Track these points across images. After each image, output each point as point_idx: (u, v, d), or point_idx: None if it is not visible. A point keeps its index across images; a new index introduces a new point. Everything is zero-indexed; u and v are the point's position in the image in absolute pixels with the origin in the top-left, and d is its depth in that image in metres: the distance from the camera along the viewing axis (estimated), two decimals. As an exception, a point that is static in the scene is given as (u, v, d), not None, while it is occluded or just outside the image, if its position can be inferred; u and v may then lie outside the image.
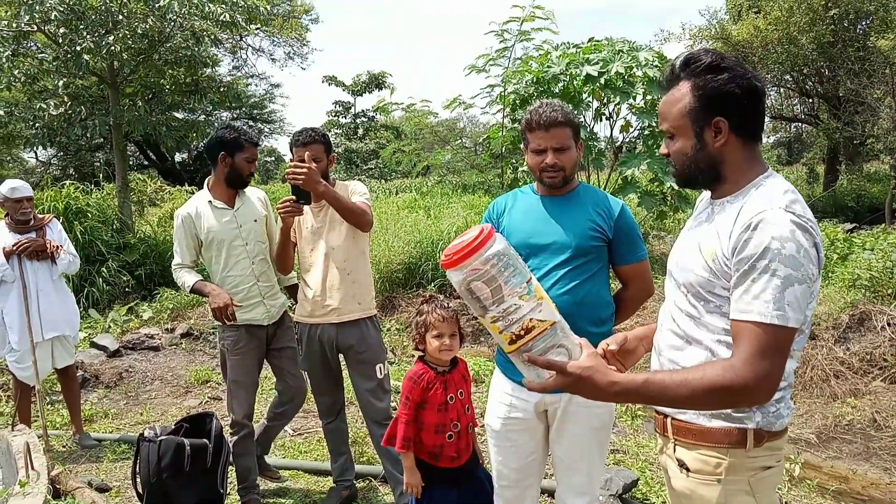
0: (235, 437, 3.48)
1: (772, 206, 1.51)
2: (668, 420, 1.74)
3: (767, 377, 1.44)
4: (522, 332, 1.54)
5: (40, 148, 14.78)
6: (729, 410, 1.61)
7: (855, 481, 4.29)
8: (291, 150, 3.24)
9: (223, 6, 8.75)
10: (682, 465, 1.70)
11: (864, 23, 15.82)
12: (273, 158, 50.48)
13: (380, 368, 3.33)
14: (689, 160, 1.67)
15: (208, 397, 5.54)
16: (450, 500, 2.67)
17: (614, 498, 3.13)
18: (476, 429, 2.78)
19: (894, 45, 12.38)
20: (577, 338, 1.60)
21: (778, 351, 1.45)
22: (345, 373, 3.56)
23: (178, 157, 28.05)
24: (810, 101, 19.29)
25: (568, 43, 9.25)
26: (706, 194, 1.82)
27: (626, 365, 1.84)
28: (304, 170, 2.99)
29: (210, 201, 3.43)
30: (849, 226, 12.13)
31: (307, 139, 3.19)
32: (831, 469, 4.43)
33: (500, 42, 9.21)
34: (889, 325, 5.70)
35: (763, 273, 1.46)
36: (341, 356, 3.41)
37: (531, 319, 1.53)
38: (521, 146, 2.51)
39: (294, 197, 3.04)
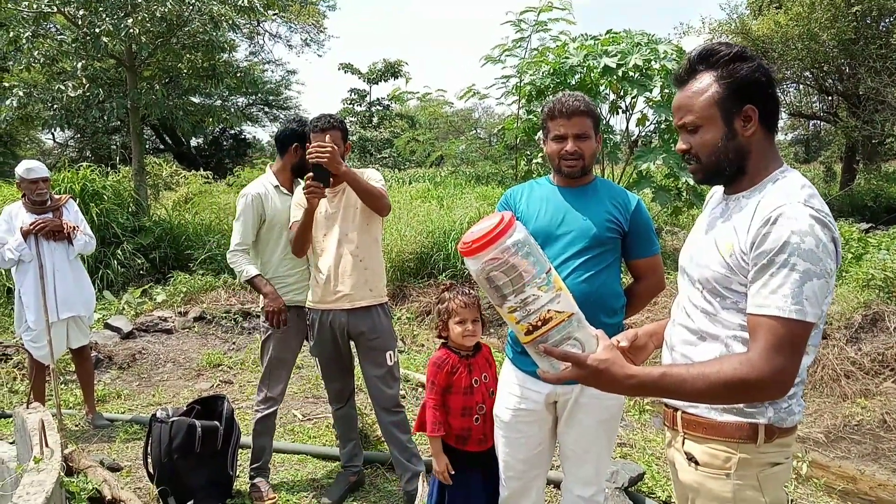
0: (260, 414, 3.53)
1: (790, 200, 1.51)
2: (679, 413, 1.74)
3: (784, 371, 1.45)
4: (539, 323, 1.53)
5: (58, 130, 14.92)
6: (741, 405, 1.61)
7: (863, 482, 4.27)
8: (308, 137, 3.25)
9: (241, -9, 8.76)
10: (690, 458, 1.70)
11: (887, 20, 15.62)
12: (287, 145, 50.57)
13: (390, 356, 3.35)
14: (720, 150, 1.63)
15: (220, 381, 5.59)
16: (475, 483, 2.68)
17: (620, 491, 3.13)
18: None
19: (917, 43, 12.21)
20: (593, 329, 1.59)
21: (795, 345, 1.46)
22: (355, 360, 3.58)
23: (193, 142, 28.21)
24: (829, 98, 19.09)
25: (586, 34, 9.19)
26: (718, 190, 1.81)
27: (636, 361, 1.84)
28: (328, 149, 3.01)
29: (276, 185, 3.53)
30: (865, 225, 12.02)
31: (325, 125, 3.19)
32: (839, 469, 4.42)
33: (517, 32, 9.17)
34: (902, 325, 5.65)
35: (782, 267, 1.46)
36: (352, 343, 3.42)
37: (549, 310, 1.52)
38: (541, 136, 2.52)
39: (312, 175, 3.05)
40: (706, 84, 1.62)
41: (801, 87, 19.21)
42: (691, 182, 8.18)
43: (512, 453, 2.49)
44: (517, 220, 1.63)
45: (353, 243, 3.27)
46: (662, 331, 1.90)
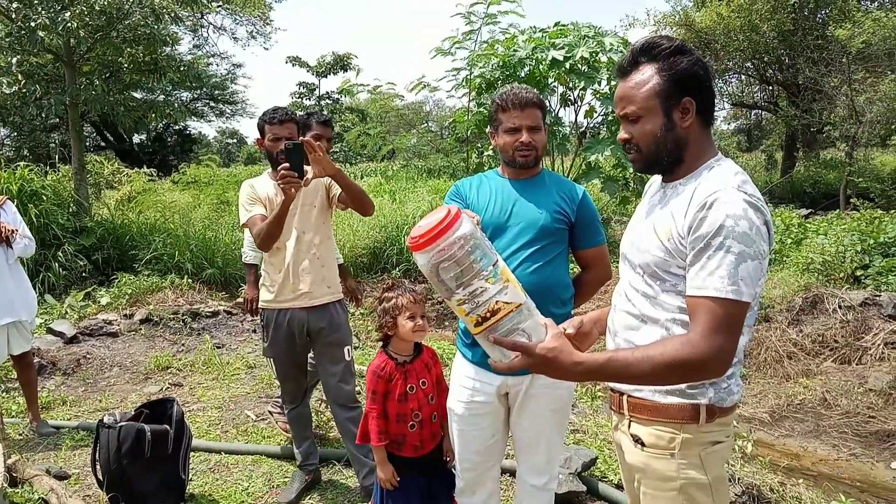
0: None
1: (725, 186, 1.57)
2: (625, 397, 1.79)
3: (723, 350, 1.50)
4: (489, 314, 1.55)
5: (-7, 128, 14.34)
6: (683, 387, 1.66)
7: (805, 458, 4.44)
8: (262, 129, 3.24)
9: (184, -18, 8.56)
10: (637, 440, 1.75)
11: (823, 12, 16.14)
12: (235, 140, 49.69)
13: (347, 351, 3.37)
14: (658, 140, 1.68)
15: (169, 383, 5.47)
16: (415, 488, 2.70)
17: (574, 476, 3.19)
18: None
19: (851, 34, 12.65)
20: (542, 318, 1.61)
21: (733, 325, 1.51)
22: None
23: (136, 139, 27.49)
24: (770, 88, 19.65)
25: (534, 27, 9.26)
26: (657, 179, 1.86)
27: (581, 348, 1.87)
28: (322, 147, 2.91)
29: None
30: (804, 211, 12.44)
31: (283, 117, 3.19)
32: (783, 447, 4.58)
33: (467, 24, 9.17)
34: (840, 307, 5.89)
35: (718, 250, 1.51)
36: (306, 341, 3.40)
37: (497, 301, 1.54)
38: (489, 129, 2.54)
39: (289, 164, 2.85)
40: (648, 76, 1.67)
41: (743, 77, 19.72)
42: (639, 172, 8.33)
43: (466, 445, 2.51)
44: (464, 212, 1.63)
45: (311, 241, 3.28)
46: (606, 317, 1.94)
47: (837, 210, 11.50)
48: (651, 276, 1.70)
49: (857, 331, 5.67)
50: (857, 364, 5.46)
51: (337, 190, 3.27)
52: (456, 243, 1.54)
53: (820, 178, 17.44)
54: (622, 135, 1.75)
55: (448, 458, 2.74)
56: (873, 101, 12.89)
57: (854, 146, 13.54)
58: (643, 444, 1.73)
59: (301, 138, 2.91)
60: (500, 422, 2.50)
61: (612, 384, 1.84)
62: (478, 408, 2.45)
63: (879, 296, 5.89)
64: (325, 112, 21.55)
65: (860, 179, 12.40)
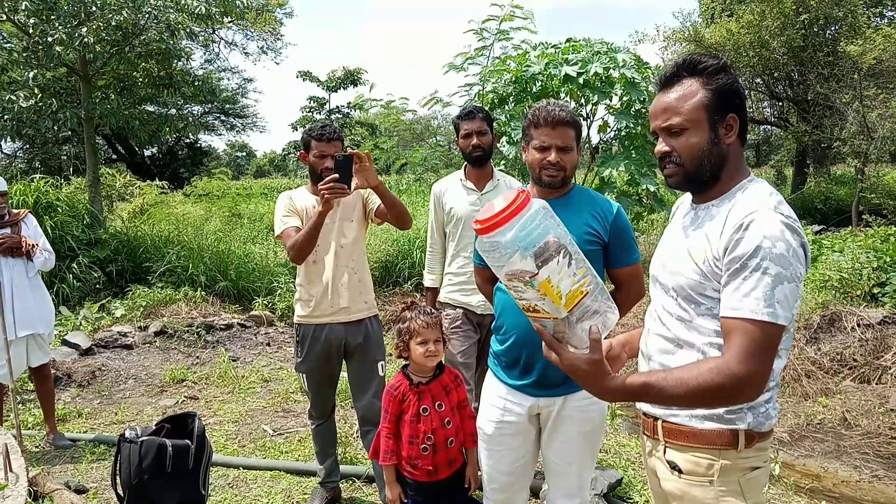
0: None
1: (761, 207, 1.56)
2: (659, 422, 1.76)
3: (758, 374, 1.48)
4: (530, 309, 1.55)
5: (7, 140, 14.47)
6: (721, 411, 1.64)
7: (826, 479, 4.38)
8: (308, 144, 3.25)
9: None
10: (673, 467, 1.72)
11: (833, 28, 16.14)
12: (244, 154, 50.01)
13: (381, 366, 3.36)
14: (704, 154, 1.66)
15: (185, 396, 5.47)
16: None
17: (600, 497, 3.16)
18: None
19: (863, 50, 12.65)
20: (586, 338, 1.57)
21: (768, 348, 1.49)
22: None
23: (147, 152, 27.66)
24: (780, 104, 19.65)
25: (546, 43, 9.28)
26: (686, 200, 1.85)
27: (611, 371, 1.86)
28: (371, 158, 2.95)
29: (461, 179, 3.63)
30: (816, 227, 12.38)
31: (331, 135, 3.21)
32: (804, 467, 4.53)
33: (479, 41, 9.20)
34: (858, 325, 5.84)
35: (754, 271, 1.50)
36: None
37: (535, 304, 1.53)
38: (522, 143, 2.49)
39: (338, 175, 2.84)
40: (694, 89, 1.65)
41: (753, 93, 19.73)
42: (651, 188, 8.32)
43: (495, 465, 2.47)
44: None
45: (349, 255, 3.29)
46: (635, 340, 1.93)
47: (850, 226, 11.43)
48: (685, 300, 1.68)
49: (876, 349, 5.62)
50: (876, 383, 5.40)
51: (374, 204, 3.27)
52: (503, 242, 1.51)
53: (831, 195, 17.36)
54: (661, 147, 1.72)
55: (469, 486, 2.70)
56: (885, 117, 12.86)
57: (865, 162, 13.50)
58: (680, 471, 1.71)
59: (350, 150, 2.91)
60: (531, 443, 2.46)
61: (644, 408, 1.82)
62: (508, 427, 2.41)
63: (898, 314, 5.84)
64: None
65: (872, 196, 12.35)
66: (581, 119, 2.66)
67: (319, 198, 2.91)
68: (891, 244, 7.46)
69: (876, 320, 5.82)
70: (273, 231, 3.39)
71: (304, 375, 3.42)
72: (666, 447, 1.75)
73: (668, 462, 1.74)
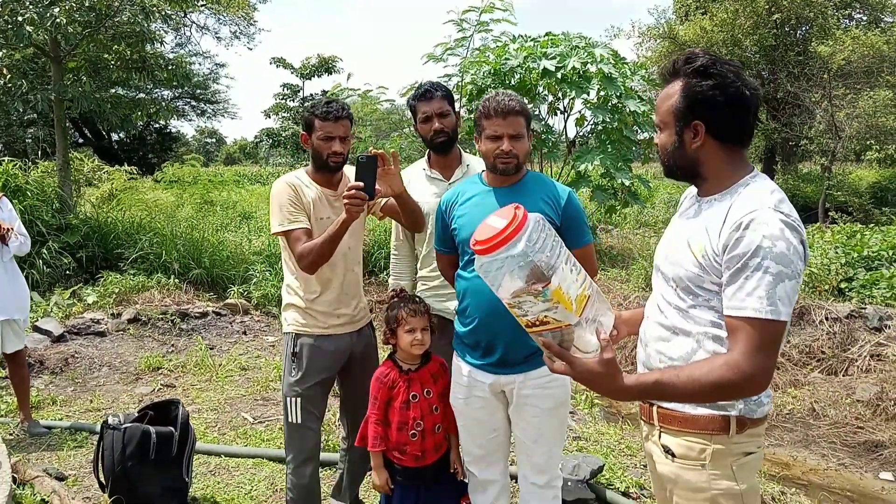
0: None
1: (762, 205, 1.59)
2: (654, 408, 1.81)
3: (765, 368, 1.54)
4: (537, 322, 1.56)
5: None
6: None
7: (796, 467, 4.52)
8: (311, 124, 2.79)
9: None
10: (667, 451, 1.77)
11: (804, 28, 16.47)
12: (214, 140, 49.28)
13: None
14: (668, 155, 1.77)
15: (161, 384, 5.42)
16: (410, 500, 2.69)
17: (582, 483, 3.22)
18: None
19: (833, 51, 12.93)
20: (595, 340, 1.60)
21: (773, 344, 1.55)
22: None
23: (114, 137, 27.12)
24: (750, 101, 19.93)
25: (525, 36, 9.32)
26: (691, 190, 1.89)
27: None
28: (398, 162, 2.65)
29: (424, 169, 3.12)
30: (784, 224, 12.62)
31: (339, 113, 2.77)
32: (773, 456, 4.66)
33: (459, 31, 9.19)
34: (826, 319, 6.01)
35: (756, 271, 1.54)
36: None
37: (546, 316, 1.54)
38: (475, 135, 2.54)
39: (362, 184, 2.47)
40: (674, 91, 1.72)
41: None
42: (626, 182, 8.43)
43: (470, 439, 2.59)
44: (452, 227, 1.59)
45: (355, 258, 2.96)
46: (636, 319, 1.97)
47: (817, 223, 11.72)
48: (684, 291, 1.73)
49: (843, 342, 5.79)
50: (843, 375, 5.57)
51: (381, 201, 2.90)
52: (506, 260, 1.53)
53: (798, 191, 17.74)
54: (656, 138, 1.83)
55: (455, 470, 2.75)
56: (852, 116, 13.18)
57: (832, 160, 13.82)
58: (674, 455, 1.76)
59: (374, 150, 2.55)
60: (501, 418, 2.56)
61: None
62: (475, 402, 2.52)
63: (865, 308, 6.02)
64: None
65: (839, 193, 12.67)
66: (534, 108, 2.67)
67: (340, 198, 2.55)
68: (857, 241, 7.68)
69: (843, 314, 5.99)
70: (270, 226, 2.86)
71: (299, 400, 2.84)
72: (661, 432, 1.80)
73: (662, 446, 1.79)
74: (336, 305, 2.87)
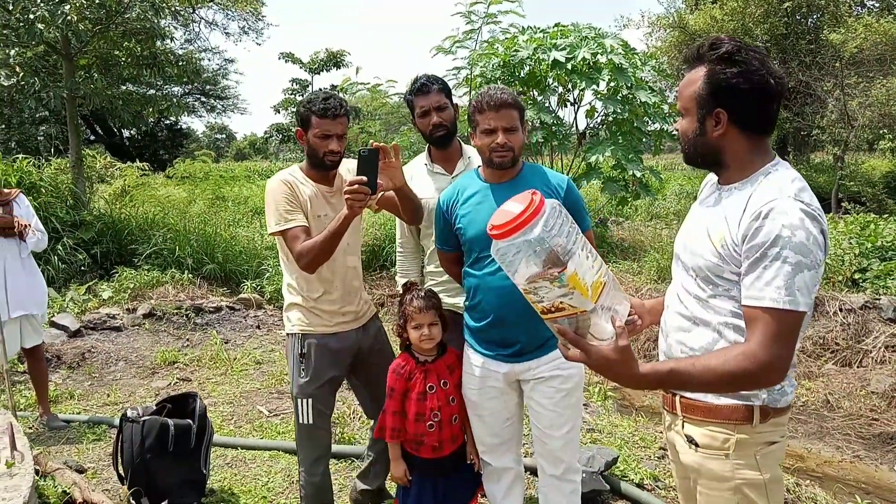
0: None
1: (781, 194, 1.57)
2: (677, 398, 1.80)
3: (782, 359, 1.53)
4: (553, 309, 1.56)
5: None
6: None
7: (810, 459, 4.51)
8: (308, 120, 2.69)
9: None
10: (690, 440, 1.77)
11: (815, 16, 16.33)
12: (224, 136, 49.41)
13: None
14: (690, 142, 1.75)
15: (177, 378, 5.47)
16: (427, 491, 2.71)
17: (597, 475, 3.23)
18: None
19: (844, 39, 12.80)
20: (610, 328, 1.60)
21: (790, 334, 1.54)
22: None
23: (126, 133, 27.27)
24: (761, 91, 19.79)
25: (535, 27, 9.28)
26: (712, 178, 1.87)
27: (629, 333, 1.91)
28: (399, 155, 2.58)
29: (426, 164, 3.07)
30: (797, 214, 12.53)
31: (337, 111, 2.66)
32: (788, 448, 4.63)
33: (467, 24, 9.17)
34: (840, 310, 5.97)
35: (774, 260, 1.53)
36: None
37: (561, 301, 1.54)
38: (469, 130, 2.54)
39: (365, 178, 2.38)
40: (697, 77, 1.69)
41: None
42: (637, 174, 8.39)
43: (483, 429, 2.61)
44: (457, 226, 1.58)
45: (355, 253, 2.89)
46: (659, 308, 1.97)
47: (830, 213, 11.63)
48: (704, 280, 1.72)
49: (857, 334, 5.75)
50: (858, 367, 5.54)
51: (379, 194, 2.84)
52: (523, 244, 1.52)
53: (810, 181, 17.42)
54: (677, 125, 1.81)
55: (471, 460, 2.76)
56: (865, 105, 13.06)
57: (845, 150, 13.70)
58: (697, 445, 1.76)
59: (376, 143, 2.45)
60: (514, 405, 2.58)
61: None
62: (489, 391, 2.54)
63: (879, 299, 5.98)
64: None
65: (851, 183, 12.57)
66: (527, 102, 2.65)
67: (337, 193, 2.44)
68: (870, 231, 7.62)
69: (857, 305, 5.95)
70: (266, 224, 2.79)
71: (310, 401, 2.78)
72: (684, 422, 1.79)
73: (685, 436, 1.79)
74: (341, 304, 2.80)
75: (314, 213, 2.71)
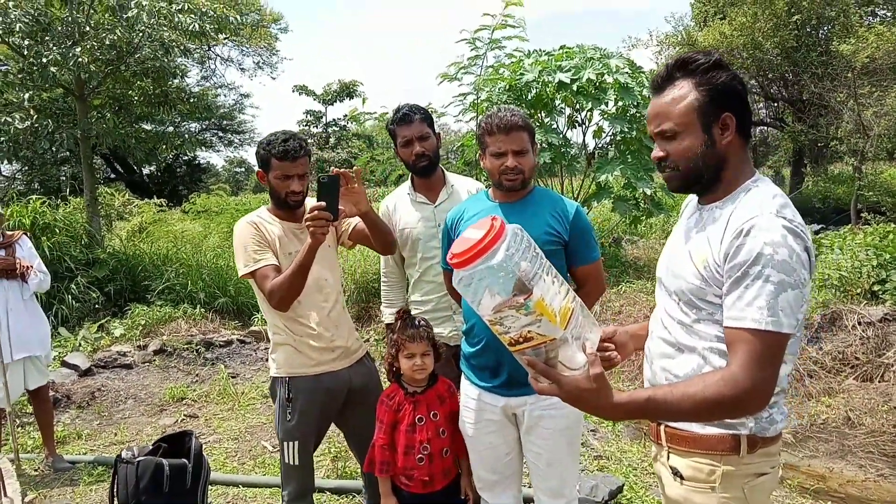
0: None
1: (763, 211, 1.51)
2: (662, 428, 1.73)
3: (764, 382, 1.45)
4: (521, 339, 1.49)
5: (4, 162, 14.49)
6: None
7: (832, 479, 4.34)
8: (268, 162, 2.68)
9: (192, 17, 8.65)
10: (675, 472, 1.69)
11: (825, 28, 16.21)
12: (243, 169, 50.06)
13: None
14: (699, 158, 1.62)
15: (184, 415, 5.44)
16: None
17: (601, 505, 3.13)
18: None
19: (855, 49, 12.68)
20: (582, 356, 1.53)
21: (773, 357, 1.46)
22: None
23: (145, 170, 27.73)
24: (775, 105, 19.68)
25: (540, 50, 9.30)
26: (692, 200, 1.81)
27: (621, 356, 1.85)
28: (361, 180, 2.57)
29: (409, 194, 3.08)
30: (816, 227, 12.35)
31: (296, 153, 2.64)
32: (808, 468, 4.48)
33: (472, 50, 9.21)
34: (860, 323, 5.80)
35: (756, 279, 1.46)
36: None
37: (529, 331, 1.47)
38: (479, 152, 2.51)
39: (324, 204, 2.38)
40: (685, 91, 1.61)
41: (748, 95, 19.79)
42: (648, 192, 8.31)
43: (481, 464, 2.52)
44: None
45: (333, 286, 2.80)
46: (643, 334, 1.89)
47: (849, 225, 11.41)
48: (687, 304, 1.65)
49: (878, 347, 5.58)
50: (879, 381, 5.36)
51: (348, 226, 2.85)
52: (485, 271, 1.46)
53: (829, 194, 17.33)
54: (657, 153, 1.69)
55: (466, 497, 2.68)
56: (880, 114, 12.87)
57: (862, 160, 13.49)
58: (682, 477, 1.68)
59: (336, 170, 2.46)
60: (513, 440, 2.50)
61: None
62: (486, 426, 2.46)
63: (900, 311, 5.81)
64: (332, 139, 21.69)
65: (870, 193, 12.34)
66: (534, 124, 2.62)
67: (306, 229, 2.43)
68: (890, 241, 7.43)
69: (877, 318, 5.78)
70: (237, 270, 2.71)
71: (296, 444, 2.73)
72: (669, 453, 1.72)
73: (670, 468, 1.71)
74: (328, 341, 2.74)
75: (284, 251, 2.69)
